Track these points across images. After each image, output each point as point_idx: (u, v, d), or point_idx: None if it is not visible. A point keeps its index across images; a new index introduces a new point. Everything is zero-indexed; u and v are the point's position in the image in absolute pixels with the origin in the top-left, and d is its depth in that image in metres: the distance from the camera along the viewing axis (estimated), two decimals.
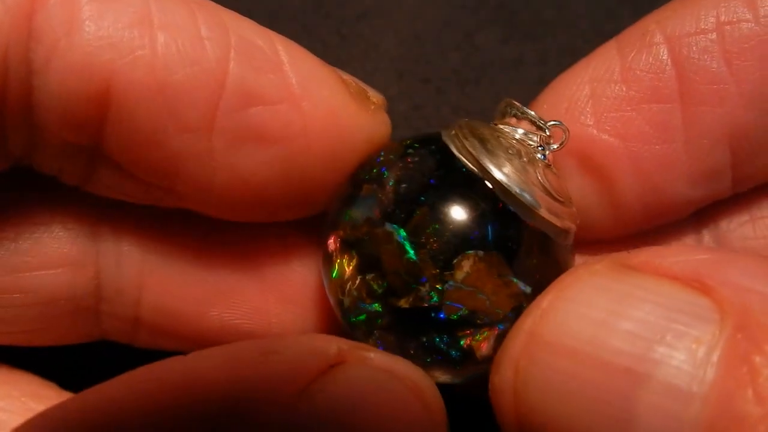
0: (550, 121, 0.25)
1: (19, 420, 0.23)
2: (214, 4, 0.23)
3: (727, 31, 0.24)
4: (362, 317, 0.24)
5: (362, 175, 0.25)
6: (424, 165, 0.24)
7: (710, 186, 0.26)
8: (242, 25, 0.23)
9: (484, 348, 0.23)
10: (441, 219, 0.23)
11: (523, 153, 0.24)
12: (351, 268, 0.24)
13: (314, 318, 0.27)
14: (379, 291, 0.23)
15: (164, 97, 0.22)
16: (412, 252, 0.23)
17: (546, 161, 0.25)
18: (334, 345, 0.22)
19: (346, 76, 0.25)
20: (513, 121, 0.25)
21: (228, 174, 0.23)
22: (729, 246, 0.27)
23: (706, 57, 0.24)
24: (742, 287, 0.19)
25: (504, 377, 0.21)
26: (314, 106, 0.23)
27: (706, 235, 0.27)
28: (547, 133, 0.24)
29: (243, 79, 0.22)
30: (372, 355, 0.22)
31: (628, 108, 0.25)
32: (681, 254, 0.21)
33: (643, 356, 0.19)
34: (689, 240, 0.27)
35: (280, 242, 0.27)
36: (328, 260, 0.25)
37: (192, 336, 0.27)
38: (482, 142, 0.24)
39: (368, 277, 0.23)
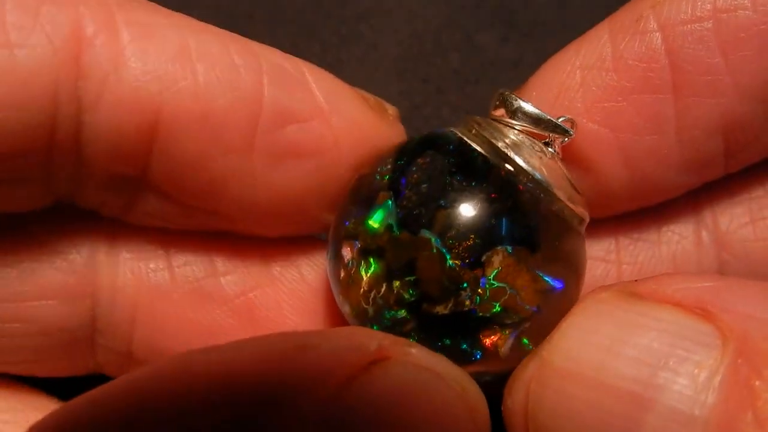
0: (560, 117, 0.24)
1: None
2: (242, 37, 0.24)
3: (724, 19, 0.23)
4: (387, 324, 0.23)
5: (370, 184, 0.24)
6: (442, 165, 0.23)
7: (702, 173, 0.25)
8: (269, 52, 0.24)
9: (505, 346, 0.23)
10: (469, 218, 0.22)
11: (542, 147, 0.24)
12: (370, 276, 0.23)
13: None
14: (411, 299, 0.23)
15: (208, 123, 0.23)
16: (449, 257, 0.22)
17: (557, 153, 0.24)
18: (374, 340, 0.21)
19: (364, 92, 0.26)
20: (503, 112, 0.24)
21: (268, 190, 0.24)
22: (729, 248, 0.26)
23: (701, 47, 0.23)
24: (743, 314, 0.20)
25: (516, 400, 0.22)
26: (342, 120, 0.24)
27: (706, 238, 0.27)
28: (564, 131, 0.24)
29: (277, 101, 0.23)
30: (414, 351, 0.21)
31: (619, 98, 0.24)
32: (685, 282, 0.21)
33: (648, 381, 0.19)
34: (688, 243, 0.27)
35: (273, 289, 0.27)
36: (341, 269, 0.24)
37: None
38: (503, 136, 0.24)
39: (396, 284, 0.23)
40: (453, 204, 0.22)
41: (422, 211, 0.23)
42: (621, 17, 0.24)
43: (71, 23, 0.22)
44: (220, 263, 0.26)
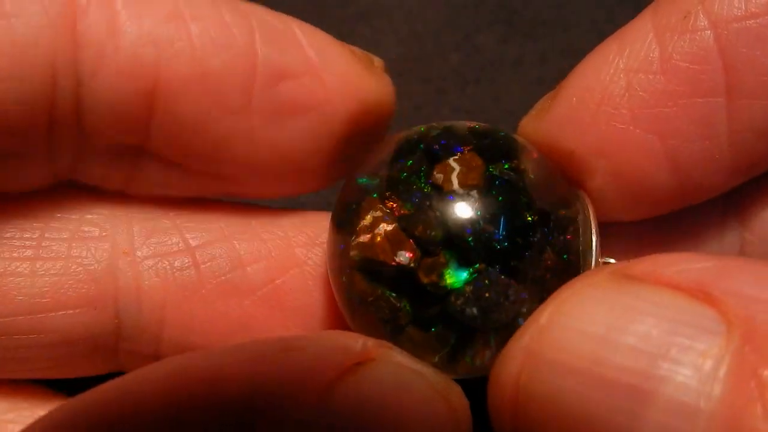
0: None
1: None
2: None
3: None
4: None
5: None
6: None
7: (749, 174, 0.23)
8: (257, 9, 0.23)
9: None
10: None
11: None
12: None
13: None
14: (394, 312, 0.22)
15: (205, 84, 0.22)
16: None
17: None
18: (358, 342, 0.20)
19: (351, 46, 0.25)
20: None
21: (268, 148, 0.23)
22: (752, 228, 0.24)
23: (756, 46, 0.21)
24: (748, 296, 0.17)
25: (503, 395, 0.20)
26: (333, 76, 0.23)
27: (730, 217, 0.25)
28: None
29: (270, 58, 0.23)
30: (396, 352, 0.21)
31: (669, 103, 0.21)
32: (684, 262, 0.18)
33: (648, 372, 0.17)
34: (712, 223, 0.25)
35: (299, 272, 0.25)
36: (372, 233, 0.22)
37: None
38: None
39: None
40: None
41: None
42: (666, 13, 0.22)
43: None
44: (244, 252, 0.25)
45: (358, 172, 0.23)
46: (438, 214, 0.21)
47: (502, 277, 0.21)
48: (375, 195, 0.22)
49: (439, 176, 0.21)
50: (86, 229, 0.24)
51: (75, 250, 0.24)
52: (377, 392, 0.19)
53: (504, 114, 0.41)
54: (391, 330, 0.22)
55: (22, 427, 0.22)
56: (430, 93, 0.40)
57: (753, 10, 0.20)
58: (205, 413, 0.18)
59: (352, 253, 0.22)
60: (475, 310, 0.21)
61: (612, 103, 0.21)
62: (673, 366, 0.17)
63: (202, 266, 0.25)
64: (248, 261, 0.25)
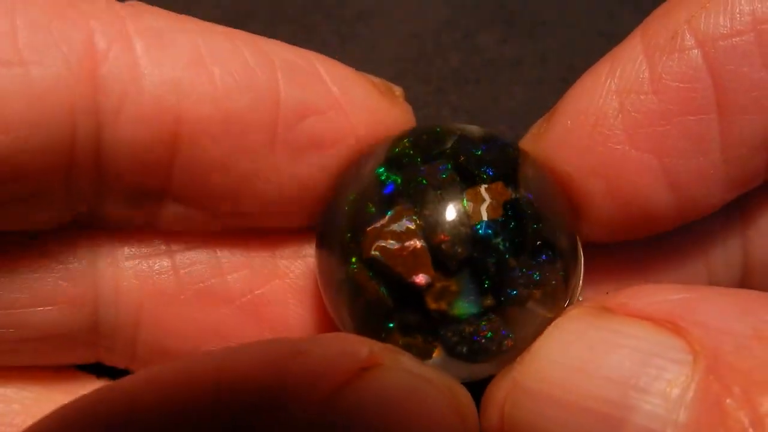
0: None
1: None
2: (250, 34, 0.24)
3: (765, 30, 0.21)
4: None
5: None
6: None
7: (745, 188, 0.23)
8: (279, 47, 0.24)
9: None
10: None
11: None
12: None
13: None
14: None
15: (229, 125, 0.22)
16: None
17: None
18: (365, 347, 0.20)
19: (371, 77, 0.25)
20: None
21: (292, 183, 0.24)
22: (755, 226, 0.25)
23: (744, 62, 0.21)
24: (714, 327, 0.19)
25: (491, 421, 0.21)
26: (356, 109, 0.24)
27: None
28: None
29: (293, 96, 0.23)
30: (404, 358, 0.21)
31: (662, 122, 0.21)
32: (656, 294, 0.20)
33: (619, 402, 0.19)
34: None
35: (280, 285, 0.25)
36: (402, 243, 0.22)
37: None
38: None
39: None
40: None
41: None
42: (654, 33, 0.22)
43: (83, 38, 0.21)
44: (225, 260, 0.25)
45: (372, 157, 0.23)
46: (464, 240, 0.21)
47: (502, 328, 0.21)
48: (404, 201, 0.22)
49: (469, 204, 0.22)
50: (69, 227, 0.24)
51: (56, 247, 0.24)
52: (384, 398, 0.19)
53: (504, 114, 0.41)
54: (374, 328, 0.22)
55: (29, 417, 0.24)
56: (430, 93, 0.40)
57: (738, 27, 0.21)
58: (209, 414, 0.18)
59: (374, 253, 0.22)
60: (464, 350, 0.21)
61: (606, 124, 0.22)
62: (643, 395, 0.18)
63: (182, 271, 0.25)
64: (229, 269, 0.25)
